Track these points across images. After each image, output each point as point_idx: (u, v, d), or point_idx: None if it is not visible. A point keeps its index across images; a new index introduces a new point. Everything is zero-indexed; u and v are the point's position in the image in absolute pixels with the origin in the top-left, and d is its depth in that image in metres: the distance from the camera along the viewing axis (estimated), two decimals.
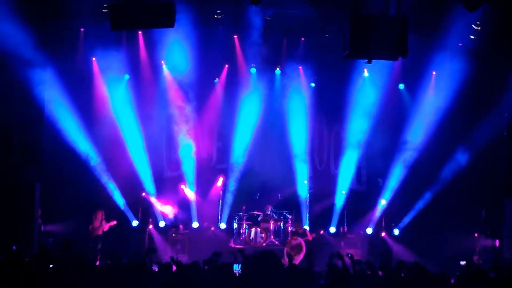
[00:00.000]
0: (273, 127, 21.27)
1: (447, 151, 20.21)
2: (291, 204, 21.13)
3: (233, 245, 19.77)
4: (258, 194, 21.11)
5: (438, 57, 19.34)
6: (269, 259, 7.25)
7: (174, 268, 10.52)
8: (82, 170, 19.69)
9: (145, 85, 20.91)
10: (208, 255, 11.99)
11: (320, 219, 21.05)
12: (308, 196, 21.18)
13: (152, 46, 19.81)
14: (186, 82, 20.53)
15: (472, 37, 18.44)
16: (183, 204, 20.88)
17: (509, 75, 18.98)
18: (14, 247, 14.85)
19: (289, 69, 20.85)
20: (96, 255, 17.83)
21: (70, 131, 19.29)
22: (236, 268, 12.71)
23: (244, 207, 20.79)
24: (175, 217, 20.67)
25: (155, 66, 20.80)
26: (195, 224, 20.70)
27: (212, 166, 21.93)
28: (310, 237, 19.22)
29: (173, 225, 20.43)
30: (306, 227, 20.36)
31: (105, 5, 17.10)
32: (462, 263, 17.14)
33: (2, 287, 8.73)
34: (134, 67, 20.54)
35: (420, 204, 20.36)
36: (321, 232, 20.54)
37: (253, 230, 20.17)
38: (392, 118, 21.06)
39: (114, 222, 18.84)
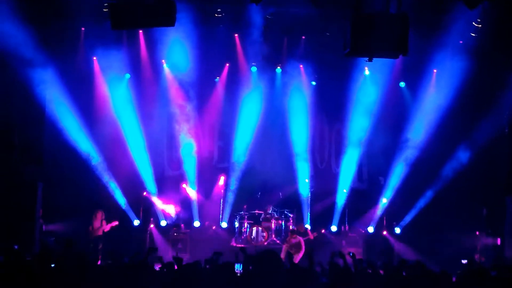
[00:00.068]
0: (274, 126, 21.26)
1: (448, 149, 20.20)
2: (292, 203, 21.12)
3: (234, 244, 19.78)
4: (259, 193, 21.10)
5: (439, 55, 19.31)
6: (270, 258, 7.23)
7: (176, 267, 10.53)
8: (83, 170, 19.69)
9: (146, 84, 20.91)
10: (210, 254, 12.01)
11: (322, 218, 21.05)
12: (309, 194, 21.18)
13: (153, 45, 19.81)
14: (187, 81, 20.53)
15: (472, 34, 18.43)
16: (185, 203, 20.89)
17: (510, 73, 18.94)
18: (15, 247, 14.87)
19: (290, 67, 20.83)
20: (97, 255, 17.83)
21: (71, 131, 19.28)
22: (238, 267, 12.71)
23: (245, 206, 20.79)
24: (177, 216, 20.68)
25: (156, 65, 20.80)
26: (197, 223, 20.71)
27: (213, 165, 21.93)
28: (311, 236, 19.25)
29: (174, 224, 20.44)
30: (308, 226, 20.38)
31: (105, 4, 17.13)
32: (464, 261, 17.13)
33: (4, 286, 8.73)
34: (135, 66, 20.54)
35: (421, 203, 20.35)
36: (323, 231, 20.54)
37: (254, 229, 20.17)
38: (393, 116, 21.06)
39: (116, 223, 18.82)
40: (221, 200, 21.16)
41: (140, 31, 19.79)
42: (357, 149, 21.13)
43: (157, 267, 12.48)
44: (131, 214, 20.19)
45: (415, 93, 20.90)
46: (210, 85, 21.51)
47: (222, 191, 21.28)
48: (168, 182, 21.27)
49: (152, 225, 20.12)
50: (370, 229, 20.68)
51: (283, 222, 20.54)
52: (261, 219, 20.48)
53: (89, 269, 9.28)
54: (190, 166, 20.99)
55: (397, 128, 20.92)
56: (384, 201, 20.82)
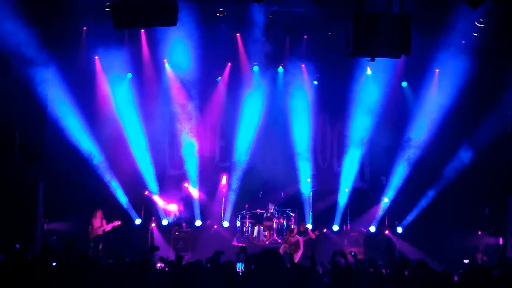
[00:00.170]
0: (276, 125, 21.25)
1: (450, 149, 20.19)
2: (294, 202, 21.13)
3: (236, 244, 19.79)
4: (261, 192, 21.09)
5: (441, 55, 19.29)
6: (272, 257, 7.22)
7: (177, 266, 10.51)
8: (85, 169, 19.70)
9: (147, 83, 20.90)
10: (211, 253, 12.00)
11: (323, 217, 21.04)
12: (311, 194, 21.16)
13: (155, 45, 19.80)
14: (189, 81, 20.52)
15: (475, 34, 18.42)
16: (186, 202, 20.88)
17: None
18: (17, 246, 14.90)
19: (291, 67, 20.79)
20: (98, 254, 17.84)
21: (73, 130, 19.29)
22: (239, 266, 12.70)
23: (247, 205, 20.80)
24: (178, 215, 20.67)
25: (158, 64, 20.78)
26: (198, 222, 20.70)
27: (215, 164, 21.92)
28: (312, 235, 19.25)
29: (176, 223, 20.44)
30: (309, 226, 20.37)
31: (107, 3, 17.12)
32: (465, 261, 17.12)
33: (5, 285, 8.72)
34: (136, 66, 20.53)
35: (423, 202, 20.34)
36: (324, 230, 20.55)
37: (256, 228, 20.18)
38: (395, 116, 21.04)
39: (118, 222, 18.79)
40: (223, 199, 21.15)
41: (142, 31, 19.78)
42: (359, 148, 21.12)
43: (158, 266, 12.50)
44: (132, 213, 20.19)
45: (417, 93, 20.88)
46: (212, 84, 21.49)
47: (224, 190, 21.27)
48: (170, 181, 21.26)
49: (153, 224, 20.11)
50: (372, 229, 20.68)
51: (284, 222, 20.54)
52: (263, 218, 20.47)
53: (91, 268, 9.26)
54: (191, 166, 20.98)
55: (399, 128, 20.91)
56: (386, 200, 20.81)
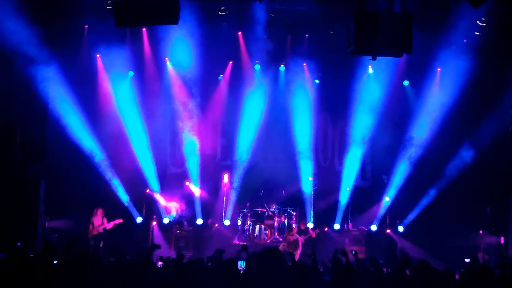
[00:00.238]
0: (277, 124, 21.25)
1: (452, 148, 20.19)
2: (295, 200, 21.11)
3: (237, 242, 19.80)
4: (262, 191, 21.08)
5: (443, 54, 19.29)
6: (273, 255, 7.23)
7: (178, 264, 10.52)
8: (86, 167, 19.70)
9: (149, 81, 20.92)
10: (212, 252, 12.00)
11: (325, 216, 21.03)
12: (312, 192, 21.14)
13: (156, 43, 19.81)
14: (190, 79, 20.52)
15: (477, 33, 18.41)
16: (187, 201, 20.88)
17: None
18: (18, 243, 14.91)
19: (293, 65, 20.79)
20: (99, 252, 17.84)
21: (75, 128, 19.30)
22: (241, 264, 12.71)
23: (248, 204, 20.80)
24: (180, 213, 20.67)
25: (159, 62, 20.79)
26: (199, 221, 20.69)
27: (216, 162, 21.92)
28: (313, 234, 19.25)
29: (177, 221, 20.44)
30: (310, 224, 20.37)
31: (109, 1, 17.13)
32: (467, 260, 17.12)
33: (7, 283, 8.74)
34: (138, 64, 20.54)
35: (424, 201, 20.33)
36: (326, 229, 20.55)
37: (257, 227, 20.18)
38: (397, 114, 21.04)
39: (120, 220, 18.80)
40: (224, 198, 21.16)
41: (144, 29, 19.79)
42: (360, 147, 21.12)
43: (159, 264, 12.51)
44: (134, 211, 20.19)
45: (419, 92, 20.88)
46: (213, 82, 21.49)
47: (226, 188, 21.27)
48: (171, 179, 21.28)
49: (154, 223, 20.12)
50: (373, 227, 20.68)
51: (286, 220, 20.54)
52: (264, 217, 20.47)
53: (92, 266, 9.27)
54: (193, 164, 20.98)
55: (400, 127, 20.90)
56: (387, 199, 20.80)
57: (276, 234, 20.20)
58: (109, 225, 18.53)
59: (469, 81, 19.22)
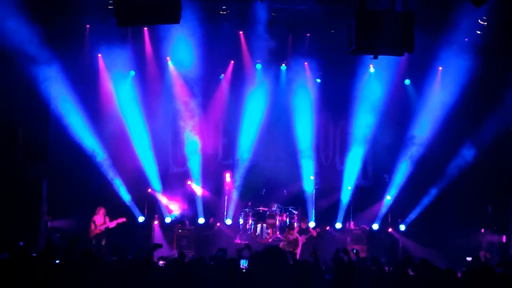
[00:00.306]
0: (278, 123, 21.25)
1: (453, 147, 20.19)
2: (297, 199, 21.11)
3: (239, 241, 19.81)
4: (263, 190, 21.10)
5: (444, 53, 19.28)
6: (275, 254, 7.24)
7: (180, 263, 10.53)
8: (88, 166, 19.71)
9: (150, 81, 20.92)
10: (214, 251, 12.01)
11: (326, 215, 21.03)
12: (314, 192, 21.15)
13: (158, 42, 19.80)
14: (192, 78, 20.51)
15: (478, 32, 18.40)
16: (189, 200, 20.89)
17: None
18: (21, 243, 14.92)
19: (294, 64, 20.79)
20: (101, 251, 17.86)
21: (76, 127, 19.31)
22: (243, 263, 12.72)
23: (250, 203, 20.81)
24: (181, 213, 20.68)
25: (161, 62, 20.79)
26: (201, 220, 20.70)
27: (218, 162, 21.93)
28: (314, 233, 19.26)
29: (179, 221, 20.45)
30: (312, 223, 20.37)
31: (110, 1, 17.15)
32: (469, 259, 17.12)
33: (9, 282, 8.75)
34: (139, 63, 20.55)
35: (426, 200, 20.33)
36: (327, 227, 20.56)
37: (259, 226, 20.19)
38: (398, 113, 21.03)
39: (123, 219, 18.79)
40: (226, 197, 21.16)
41: (145, 28, 19.80)
42: (362, 146, 21.11)
43: (161, 264, 12.52)
44: (135, 210, 20.20)
45: (420, 91, 20.88)
46: (214, 82, 21.50)
47: (227, 188, 21.27)
48: (173, 179, 21.29)
49: (156, 222, 20.13)
50: (375, 226, 20.68)
51: (287, 219, 20.54)
52: (265, 216, 20.48)
53: (94, 265, 9.29)
54: (194, 163, 20.98)
55: (402, 126, 20.90)
56: (388, 198, 20.80)
57: (277, 233, 20.21)
58: (112, 224, 18.53)
59: (471, 80, 19.21)
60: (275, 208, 20.61)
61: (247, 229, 20.40)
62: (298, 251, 18.26)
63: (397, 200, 20.70)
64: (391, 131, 20.69)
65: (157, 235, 19.91)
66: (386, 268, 11.42)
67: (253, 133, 21.11)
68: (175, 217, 20.57)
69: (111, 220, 18.55)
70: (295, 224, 19.98)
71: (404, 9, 11.26)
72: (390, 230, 20.46)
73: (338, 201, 21.01)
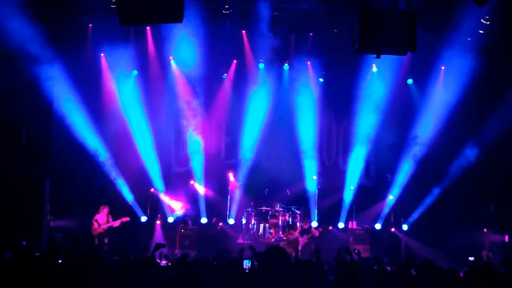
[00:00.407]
0: (281, 123, 21.25)
1: (456, 146, 20.18)
2: (299, 199, 21.11)
3: (241, 241, 19.80)
4: (266, 190, 21.09)
5: (447, 52, 19.27)
6: (277, 254, 7.23)
7: (183, 263, 10.53)
8: (91, 166, 19.74)
9: (153, 80, 20.94)
10: (217, 251, 12.00)
11: (329, 215, 21.04)
12: (316, 191, 21.15)
13: (160, 42, 19.83)
14: (194, 78, 20.55)
15: (481, 32, 18.38)
16: (192, 200, 20.90)
17: None
18: (24, 243, 14.94)
19: (297, 64, 20.78)
20: (104, 250, 17.85)
21: (79, 127, 19.33)
22: (246, 263, 12.72)
23: (252, 203, 20.81)
24: (184, 212, 20.68)
25: (163, 61, 20.82)
26: (204, 220, 20.71)
27: (220, 161, 21.94)
28: (316, 233, 19.25)
29: (181, 220, 20.45)
30: (314, 223, 20.37)
31: (113, 0, 17.14)
32: (471, 258, 17.10)
33: (12, 282, 8.76)
34: (142, 63, 20.57)
35: (429, 200, 20.33)
36: (330, 227, 20.55)
37: (261, 225, 20.18)
38: (401, 113, 21.03)
39: (127, 218, 18.78)
40: (228, 197, 21.16)
41: (148, 28, 19.83)
42: (364, 146, 21.11)
43: (164, 263, 12.52)
44: (138, 210, 20.22)
45: (423, 90, 20.87)
46: (217, 81, 21.51)
47: (230, 187, 21.27)
48: (175, 178, 21.30)
49: (158, 222, 20.14)
50: (377, 226, 20.68)
51: (290, 219, 20.54)
52: (268, 216, 20.47)
53: (97, 264, 9.29)
54: (197, 163, 21.00)
55: (404, 125, 20.89)
56: (391, 198, 20.79)
57: (280, 233, 20.20)
58: (117, 223, 18.52)
59: (473, 80, 19.20)
60: (277, 208, 20.60)
61: (249, 228, 20.40)
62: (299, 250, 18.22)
63: (399, 200, 20.69)
64: (394, 131, 20.69)
65: (158, 235, 19.90)
66: (389, 268, 11.41)
67: (256, 132, 21.12)
68: (178, 216, 20.58)
69: (114, 219, 18.55)
70: (298, 224, 19.98)
71: (407, 8, 11.25)
72: (392, 229, 20.46)
73: (340, 201, 21.02)
